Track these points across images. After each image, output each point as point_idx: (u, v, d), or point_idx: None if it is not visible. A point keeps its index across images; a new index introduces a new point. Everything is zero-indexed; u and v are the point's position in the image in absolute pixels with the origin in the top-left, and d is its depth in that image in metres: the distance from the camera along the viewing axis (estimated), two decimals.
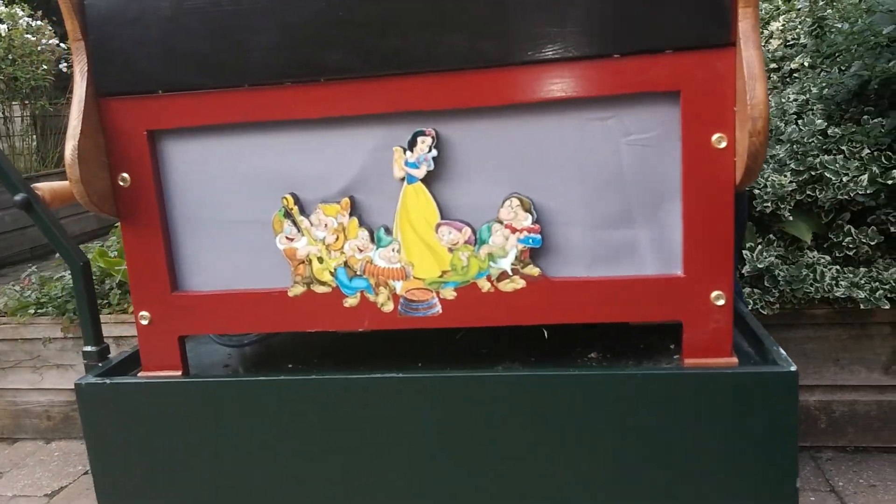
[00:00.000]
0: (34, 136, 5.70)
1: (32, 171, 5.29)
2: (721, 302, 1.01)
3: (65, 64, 6.01)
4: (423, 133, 1.04)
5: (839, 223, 2.32)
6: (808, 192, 2.30)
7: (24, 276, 3.09)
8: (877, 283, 2.18)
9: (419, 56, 1.01)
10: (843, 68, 2.43)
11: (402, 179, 1.06)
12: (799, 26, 2.70)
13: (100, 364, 1.21)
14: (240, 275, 1.13)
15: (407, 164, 1.05)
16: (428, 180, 1.06)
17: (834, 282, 2.21)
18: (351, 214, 1.08)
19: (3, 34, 4.97)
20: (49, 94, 5.78)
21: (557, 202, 1.05)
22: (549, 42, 0.98)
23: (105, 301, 2.82)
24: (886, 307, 2.12)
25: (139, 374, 1.16)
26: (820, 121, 2.32)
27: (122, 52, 1.07)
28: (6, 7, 5.45)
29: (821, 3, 2.64)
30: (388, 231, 1.08)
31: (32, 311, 2.88)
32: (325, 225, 1.09)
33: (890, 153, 2.25)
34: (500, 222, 1.05)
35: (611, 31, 0.97)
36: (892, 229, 2.27)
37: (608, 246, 1.05)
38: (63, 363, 2.89)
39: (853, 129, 2.32)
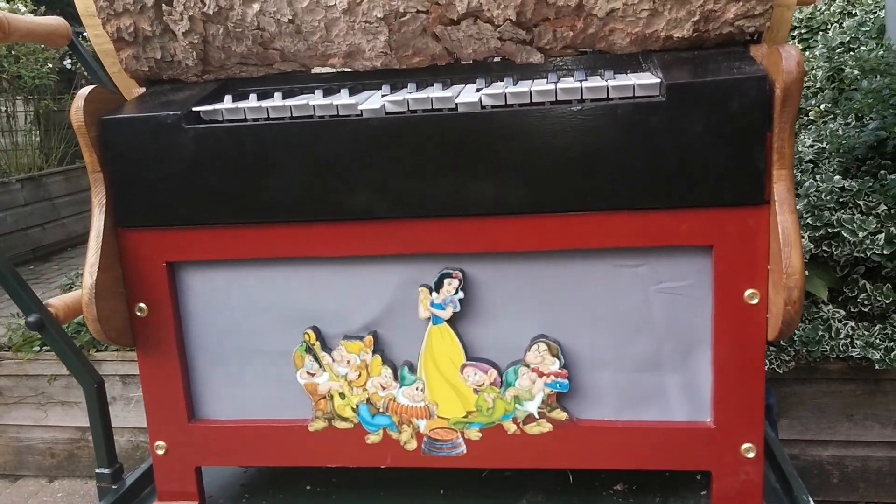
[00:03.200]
0: (37, 133, 5.65)
1: (36, 170, 5.25)
2: (751, 455, 1.00)
3: (69, 61, 5.95)
4: (449, 275, 1.02)
5: (854, 277, 2.30)
6: (823, 248, 2.28)
7: None
8: (892, 343, 2.17)
9: (445, 201, 0.99)
10: (860, 124, 2.40)
11: (428, 319, 1.04)
12: (816, 68, 2.66)
13: (114, 487, 1.19)
14: (259, 405, 1.12)
15: (433, 304, 1.03)
16: (453, 320, 1.04)
17: (849, 340, 2.20)
18: (374, 351, 1.06)
19: None
20: (53, 92, 5.73)
21: (585, 345, 1.03)
22: (580, 193, 0.96)
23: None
24: None
25: None
26: (838, 177, 2.29)
27: (141, 185, 1.04)
28: (8, 3, 5.38)
29: (838, 50, 2.60)
30: (412, 369, 1.06)
31: (37, 348, 2.87)
32: (348, 361, 1.07)
33: None
34: (527, 365, 1.03)
35: (644, 186, 0.94)
36: None
37: (637, 390, 1.03)
38: (68, 400, 2.89)
39: (870, 184, 2.29)
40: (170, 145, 1.02)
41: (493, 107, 0.98)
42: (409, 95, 1.00)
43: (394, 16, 1.04)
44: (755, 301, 0.95)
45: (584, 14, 1.02)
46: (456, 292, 1.02)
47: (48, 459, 2.93)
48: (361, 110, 0.99)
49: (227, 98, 1.07)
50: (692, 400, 1.02)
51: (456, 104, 0.98)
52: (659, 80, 0.93)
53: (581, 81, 0.98)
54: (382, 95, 1.04)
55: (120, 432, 2.74)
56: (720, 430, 1.00)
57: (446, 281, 1.02)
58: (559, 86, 0.96)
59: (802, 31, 2.94)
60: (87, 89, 1.03)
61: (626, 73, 1.05)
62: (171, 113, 1.01)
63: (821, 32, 2.88)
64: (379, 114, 0.98)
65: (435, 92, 1.00)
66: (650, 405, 1.03)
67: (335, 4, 1.04)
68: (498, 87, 1.00)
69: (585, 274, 1.01)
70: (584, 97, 0.96)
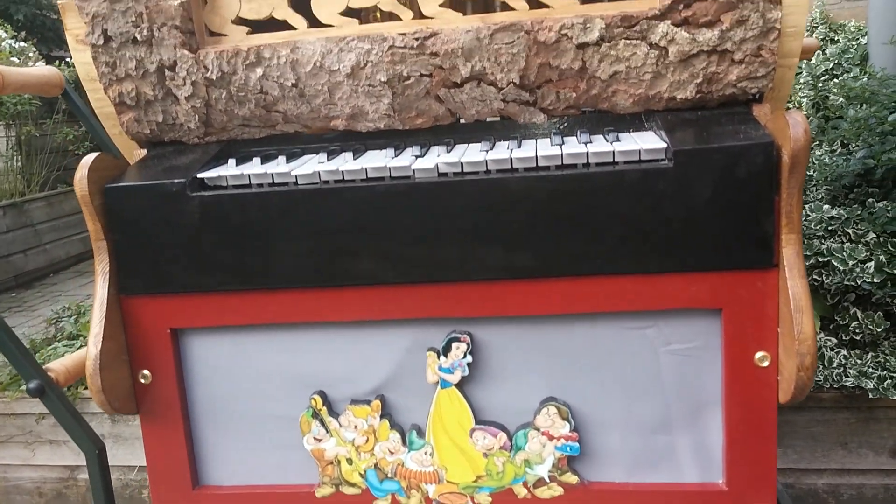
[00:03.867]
0: (19, 159, 5.58)
1: (17, 196, 5.18)
2: None
3: None
4: (458, 339, 1.01)
5: (845, 305, 2.32)
6: (814, 276, 2.30)
7: None
8: (885, 372, 2.19)
9: (452, 266, 0.98)
10: (846, 151, 2.42)
11: (436, 384, 1.03)
12: (802, 96, 2.69)
13: None
14: (265, 471, 1.10)
15: (441, 369, 1.02)
16: (462, 384, 1.03)
17: (842, 369, 2.22)
18: (382, 416, 1.05)
19: None
20: (34, 118, 5.67)
21: (595, 407, 1.03)
22: (587, 258, 0.96)
23: None
24: (895, 398, 2.13)
25: None
26: (826, 206, 2.31)
27: (145, 253, 1.03)
28: None
29: (823, 78, 2.64)
30: (420, 433, 1.05)
31: (25, 386, 2.82)
32: (355, 426, 1.06)
33: None
34: (537, 429, 1.02)
35: (651, 250, 0.95)
36: None
37: (648, 452, 1.03)
38: (56, 439, 2.84)
39: (858, 212, 2.32)
40: (174, 213, 1.01)
41: (499, 171, 0.97)
42: (415, 161, 1.00)
43: (397, 79, 1.04)
44: (766, 364, 0.96)
45: (587, 76, 1.02)
46: (464, 356, 1.02)
47: (36, 499, 2.88)
48: (367, 176, 0.99)
49: (231, 162, 1.07)
50: (704, 461, 1.02)
51: (462, 168, 0.98)
52: (665, 146, 0.94)
53: (586, 144, 0.99)
54: (386, 158, 1.03)
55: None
56: (733, 492, 1.00)
57: (454, 345, 1.01)
58: (565, 150, 0.96)
59: None
60: (90, 157, 1.02)
61: (630, 133, 1.05)
62: (176, 181, 1.00)
63: (804, 60, 2.91)
64: (384, 180, 0.98)
65: (441, 157, 0.99)
66: (661, 467, 1.03)
67: (339, 69, 1.04)
68: (503, 151, 1.00)
69: (594, 336, 1.01)
70: (589, 161, 0.96)
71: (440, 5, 1.05)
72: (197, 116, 1.09)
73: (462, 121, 1.10)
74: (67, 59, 5.66)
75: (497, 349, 1.03)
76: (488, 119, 1.09)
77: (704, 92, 1.01)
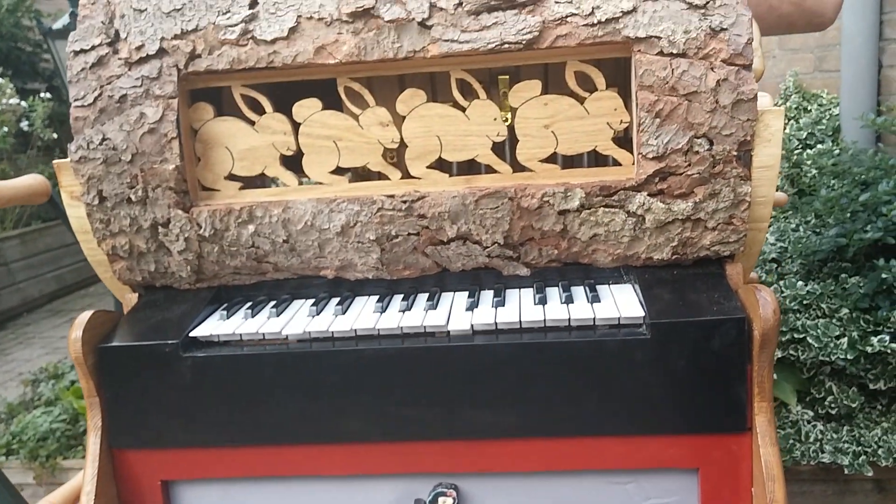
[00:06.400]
0: None
1: None
2: None
3: (26, 122, 5.88)
4: (444, 493, 1.04)
5: (820, 378, 2.38)
6: (790, 352, 2.35)
7: None
8: (860, 447, 2.24)
9: (438, 425, 1.02)
10: (820, 222, 2.49)
11: None
12: None
13: None
14: None
15: None
16: None
17: (818, 445, 2.27)
18: None
19: None
20: (9, 154, 5.65)
21: None
22: (569, 420, 0.99)
23: (79, 445, 2.76)
24: (870, 473, 2.18)
25: None
26: (800, 283, 2.37)
27: (137, 410, 1.05)
28: None
29: (796, 151, 2.71)
30: None
31: (2, 457, 2.81)
32: None
33: (868, 317, 2.31)
34: None
35: (630, 413, 0.98)
36: (871, 386, 2.33)
37: None
38: None
39: (832, 287, 2.38)
40: (167, 373, 1.03)
41: (484, 332, 1.01)
42: (402, 318, 1.03)
43: (386, 238, 1.07)
44: None
45: (568, 236, 1.06)
46: None
47: None
48: (356, 334, 1.02)
49: (222, 315, 1.10)
50: None
51: (448, 331, 1.02)
52: (643, 315, 0.98)
53: (567, 304, 1.03)
54: (374, 315, 1.07)
55: None
56: None
57: (440, 499, 1.04)
58: (547, 314, 1.00)
59: None
60: (85, 317, 1.05)
61: (609, 286, 1.10)
62: (169, 342, 1.03)
63: None
64: (373, 343, 1.02)
65: (428, 317, 1.03)
66: None
67: (329, 227, 1.07)
68: (487, 311, 1.04)
69: (576, 489, 1.04)
70: (571, 324, 1.00)
71: (427, 167, 1.09)
72: (189, 267, 1.12)
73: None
74: (41, 94, 5.66)
75: (484, 501, 1.06)
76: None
77: (680, 254, 1.05)
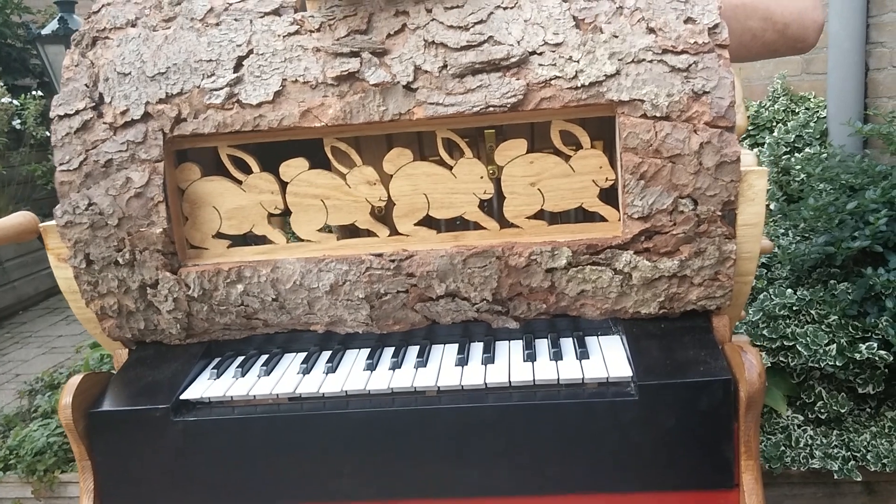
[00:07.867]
0: None
1: None
2: None
3: (18, 121, 5.83)
4: None
5: (810, 384, 2.41)
6: (780, 358, 2.38)
7: None
8: (849, 452, 2.27)
9: (429, 485, 1.03)
10: (808, 227, 2.50)
11: None
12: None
13: None
14: None
15: None
16: None
17: (808, 450, 2.30)
18: None
19: None
20: (2, 154, 5.61)
21: None
22: (559, 478, 1.01)
23: (73, 463, 2.77)
24: (859, 479, 2.21)
25: None
26: (789, 291, 2.39)
27: (129, 472, 1.06)
28: None
29: (785, 156, 2.71)
30: None
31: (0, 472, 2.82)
32: None
33: (857, 323, 2.33)
34: None
35: (619, 471, 1.00)
36: (860, 390, 2.35)
37: None
38: None
39: (821, 293, 2.40)
40: (158, 437, 1.04)
41: (475, 390, 1.02)
42: (392, 380, 1.04)
43: (375, 295, 1.08)
44: None
45: (556, 292, 1.07)
46: None
47: None
48: (346, 394, 1.03)
49: (212, 373, 1.10)
50: None
51: (438, 389, 1.03)
52: (630, 374, 0.99)
53: (556, 361, 1.04)
54: (363, 374, 1.07)
55: None
56: None
57: None
58: (536, 375, 1.02)
59: (749, 127, 3.05)
60: (75, 381, 1.05)
61: (597, 337, 1.11)
62: (159, 406, 1.03)
63: (767, 130, 2.99)
64: (363, 404, 1.02)
65: (418, 378, 1.04)
66: None
67: (318, 286, 1.08)
68: (477, 369, 1.05)
69: None
70: (560, 382, 1.01)
71: (415, 224, 1.09)
72: (178, 325, 1.12)
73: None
74: (33, 92, 5.61)
75: None
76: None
77: (667, 308, 1.06)
